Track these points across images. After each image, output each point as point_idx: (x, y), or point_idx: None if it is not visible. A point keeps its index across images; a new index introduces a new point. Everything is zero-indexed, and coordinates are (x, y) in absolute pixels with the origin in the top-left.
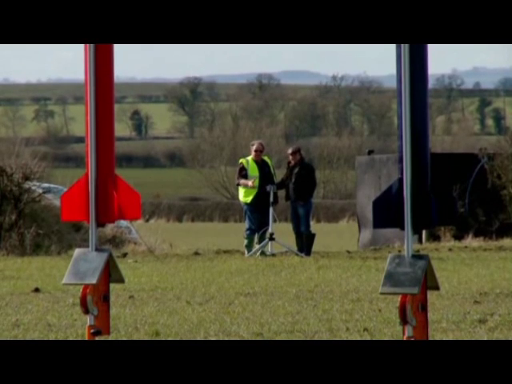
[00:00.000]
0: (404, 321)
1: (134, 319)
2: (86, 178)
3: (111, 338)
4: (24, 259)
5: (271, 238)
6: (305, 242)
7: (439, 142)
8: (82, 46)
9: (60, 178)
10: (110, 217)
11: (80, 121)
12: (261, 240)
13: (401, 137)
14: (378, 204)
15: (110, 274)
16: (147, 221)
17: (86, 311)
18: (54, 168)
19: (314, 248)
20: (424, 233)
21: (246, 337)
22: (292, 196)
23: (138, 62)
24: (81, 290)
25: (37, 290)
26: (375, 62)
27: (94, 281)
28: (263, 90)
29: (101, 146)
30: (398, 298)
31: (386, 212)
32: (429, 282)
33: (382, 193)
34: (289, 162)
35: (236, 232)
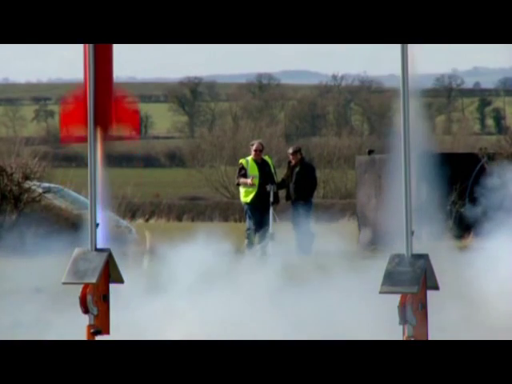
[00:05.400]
0: (404, 320)
1: None
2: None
3: (111, 338)
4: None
5: (271, 238)
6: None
7: (439, 142)
8: (81, 45)
9: (60, 177)
10: (110, 127)
11: None
12: (261, 240)
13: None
14: None
15: (110, 273)
16: (147, 220)
17: (86, 311)
18: (53, 168)
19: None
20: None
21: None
22: (292, 196)
23: (138, 62)
24: (81, 290)
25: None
26: (375, 62)
27: (93, 280)
28: (263, 90)
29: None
30: (398, 298)
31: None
32: (428, 281)
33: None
34: (289, 162)
35: (236, 232)
